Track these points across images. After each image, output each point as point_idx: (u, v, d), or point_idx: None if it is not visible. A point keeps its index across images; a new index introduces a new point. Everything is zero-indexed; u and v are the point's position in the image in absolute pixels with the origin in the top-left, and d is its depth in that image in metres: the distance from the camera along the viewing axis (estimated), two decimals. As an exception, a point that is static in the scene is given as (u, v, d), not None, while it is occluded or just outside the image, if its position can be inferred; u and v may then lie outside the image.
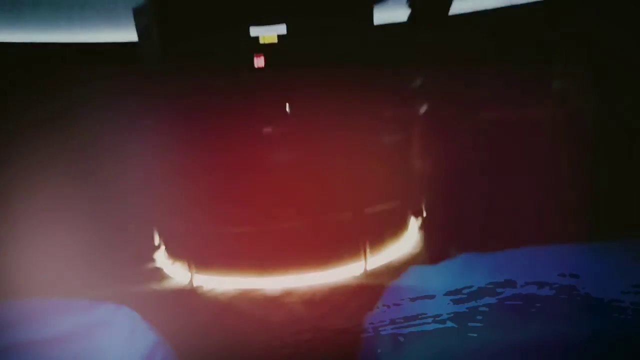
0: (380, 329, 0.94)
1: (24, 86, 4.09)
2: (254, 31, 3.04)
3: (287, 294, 2.95)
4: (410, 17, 2.73)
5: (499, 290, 0.81)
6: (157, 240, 3.69)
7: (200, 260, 3.25)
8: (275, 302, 2.90)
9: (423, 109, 2.59)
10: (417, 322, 0.84)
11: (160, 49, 3.30)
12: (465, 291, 0.83)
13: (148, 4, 3.26)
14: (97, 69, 3.87)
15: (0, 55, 4.77)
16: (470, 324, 0.79)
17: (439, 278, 0.87)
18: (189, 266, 3.28)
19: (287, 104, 3.09)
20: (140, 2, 3.40)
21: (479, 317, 0.80)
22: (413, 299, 0.87)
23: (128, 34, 4.19)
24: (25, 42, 5.38)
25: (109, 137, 3.75)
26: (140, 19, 3.49)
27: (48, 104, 3.91)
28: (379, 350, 0.85)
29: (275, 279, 3.05)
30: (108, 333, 0.87)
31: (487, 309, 0.80)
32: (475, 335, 0.78)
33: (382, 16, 3.01)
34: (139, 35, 3.52)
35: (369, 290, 2.78)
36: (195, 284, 3.18)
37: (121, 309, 0.97)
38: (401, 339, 0.83)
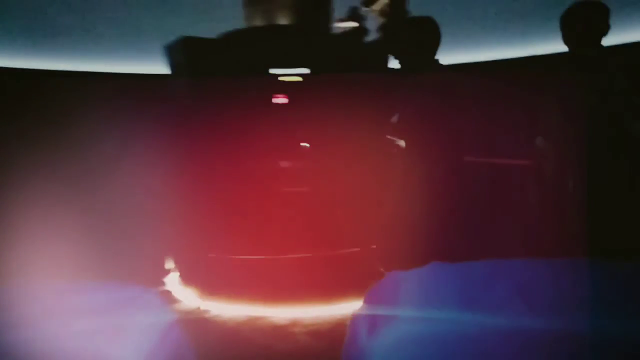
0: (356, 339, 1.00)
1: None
2: (276, 71, 3.28)
3: (294, 323, 2.99)
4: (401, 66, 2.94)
5: (465, 301, 0.88)
6: (167, 263, 3.77)
7: (209, 285, 3.32)
8: (281, 330, 2.94)
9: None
10: (390, 330, 0.88)
11: (187, 83, 3.54)
12: (433, 301, 0.89)
13: (180, 42, 3.51)
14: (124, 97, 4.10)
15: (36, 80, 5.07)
16: (439, 333, 0.84)
17: (410, 286, 0.94)
18: (198, 291, 3.34)
19: (304, 139, 3.27)
20: (172, 40, 3.66)
21: (447, 326, 0.85)
22: (386, 308, 0.93)
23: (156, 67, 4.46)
24: (60, 69, 5.72)
25: (127, 161, 3.92)
26: (171, 55, 3.75)
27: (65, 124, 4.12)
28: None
29: (282, 308, 3.10)
30: (131, 312, 0.97)
31: (455, 319, 0.85)
32: (444, 345, 0.83)
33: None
34: (170, 68, 3.77)
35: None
36: (203, 309, 3.23)
37: (146, 290, 1.08)
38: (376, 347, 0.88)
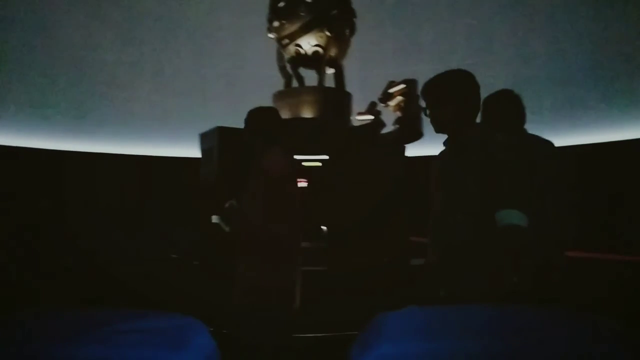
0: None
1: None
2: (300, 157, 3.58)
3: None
4: None
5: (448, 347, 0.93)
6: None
7: None
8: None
9: None
10: None
11: (216, 169, 3.85)
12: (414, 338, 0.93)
13: (214, 133, 3.90)
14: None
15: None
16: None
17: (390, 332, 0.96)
18: None
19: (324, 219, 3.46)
20: (207, 130, 4.06)
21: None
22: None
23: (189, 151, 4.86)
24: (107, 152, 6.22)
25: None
26: (204, 142, 4.13)
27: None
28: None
29: None
30: (171, 340, 0.94)
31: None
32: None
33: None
34: (202, 154, 4.12)
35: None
36: None
37: (187, 318, 1.05)
38: None
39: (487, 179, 1.58)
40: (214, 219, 2.21)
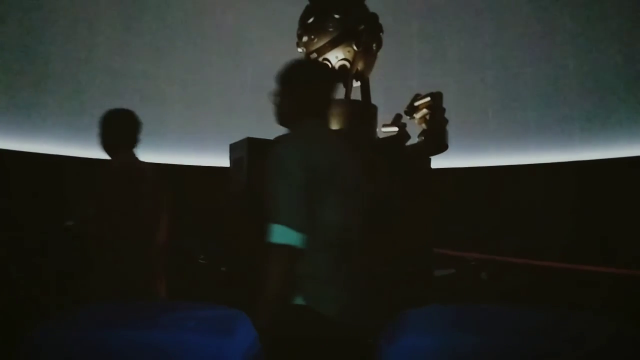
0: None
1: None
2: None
3: None
4: None
5: (468, 344, 0.99)
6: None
7: None
8: None
9: None
10: None
11: (246, 177, 3.99)
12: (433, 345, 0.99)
13: (243, 143, 4.05)
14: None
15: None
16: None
17: (412, 328, 1.02)
18: None
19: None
20: (237, 141, 4.21)
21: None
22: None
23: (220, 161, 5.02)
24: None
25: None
26: (234, 152, 4.28)
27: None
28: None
29: None
30: (220, 328, 1.02)
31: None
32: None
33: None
34: (231, 164, 4.27)
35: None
36: None
37: (233, 310, 1.13)
38: None
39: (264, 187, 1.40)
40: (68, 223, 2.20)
